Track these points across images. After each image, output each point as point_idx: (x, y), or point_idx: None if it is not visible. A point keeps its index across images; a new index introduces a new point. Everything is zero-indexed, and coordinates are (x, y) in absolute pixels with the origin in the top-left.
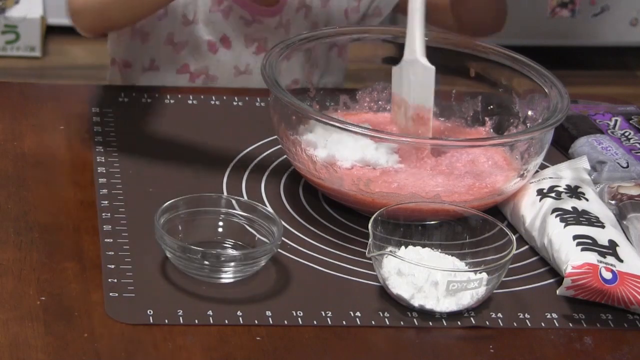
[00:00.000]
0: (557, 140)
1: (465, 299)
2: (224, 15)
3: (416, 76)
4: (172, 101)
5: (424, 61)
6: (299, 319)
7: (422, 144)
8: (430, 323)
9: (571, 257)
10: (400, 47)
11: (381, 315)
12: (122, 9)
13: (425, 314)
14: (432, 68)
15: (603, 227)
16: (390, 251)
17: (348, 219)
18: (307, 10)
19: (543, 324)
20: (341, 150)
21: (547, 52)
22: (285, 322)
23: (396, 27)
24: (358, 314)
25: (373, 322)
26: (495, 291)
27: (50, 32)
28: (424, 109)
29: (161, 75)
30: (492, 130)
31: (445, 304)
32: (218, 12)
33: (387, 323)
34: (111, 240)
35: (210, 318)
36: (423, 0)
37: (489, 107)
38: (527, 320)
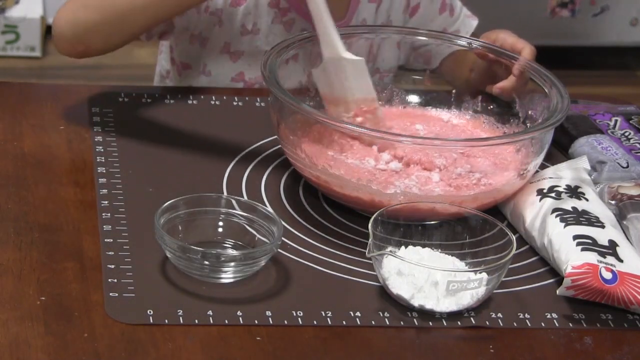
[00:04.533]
0: (557, 140)
1: (465, 299)
2: (285, 27)
3: (345, 72)
4: (172, 101)
5: (349, 55)
6: (299, 319)
7: (422, 144)
8: (430, 323)
9: (571, 257)
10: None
11: (381, 315)
12: (98, 36)
13: (425, 314)
14: (361, 59)
15: (603, 227)
16: (390, 251)
17: (348, 219)
18: None
19: (543, 324)
20: None
21: (547, 52)
22: (285, 322)
23: (402, 27)
24: (358, 314)
25: (373, 322)
26: (495, 291)
27: (50, 32)
28: (368, 99)
29: (215, 80)
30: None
31: (445, 304)
32: (280, 24)
33: (387, 323)
34: (111, 240)
35: (210, 318)
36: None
37: (489, 107)
38: (527, 320)
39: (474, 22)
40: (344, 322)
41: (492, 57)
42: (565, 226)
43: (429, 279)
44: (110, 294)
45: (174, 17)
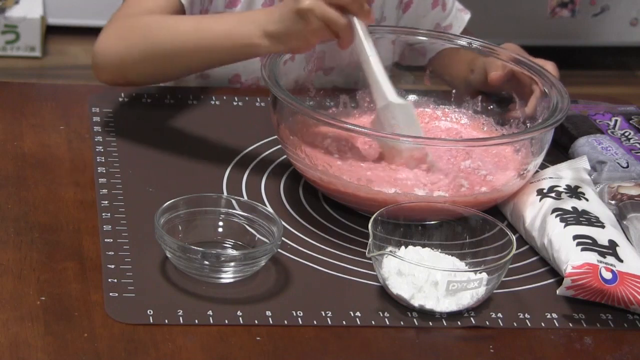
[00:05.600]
0: (557, 140)
1: (465, 299)
2: None
3: (395, 118)
4: (172, 101)
5: (398, 100)
6: (299, 319)
7: (423, 144)
8: (430, 323)
9: (571, 257)
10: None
11: (381, 315)
12: (140, 73)
13: (425, 314)
14: (409, 103)
15: (603, 227)
16: (390, 251)
17: (348, 219)
18: None
19: (543, 324)
20: None
21: (547, 52)
22: (285, 322)
23: (400, 27)
24: (358, 314)
25: (373, 322)
26: (495, 291)
27: (50, 32)
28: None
29: (212, 83)
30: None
31: (445, 304)
32: None
33: (387, 323)
34: (111, 240)
35: (210, 318)
36: (373, 47)
37: (489, 107)
38: (527, 320)
39: (466, 17)
40: (344, 322)
41: (508, 77)
42: (565, 226)
43: (429, 279)
44: (110, 294)
45: (218, 67)
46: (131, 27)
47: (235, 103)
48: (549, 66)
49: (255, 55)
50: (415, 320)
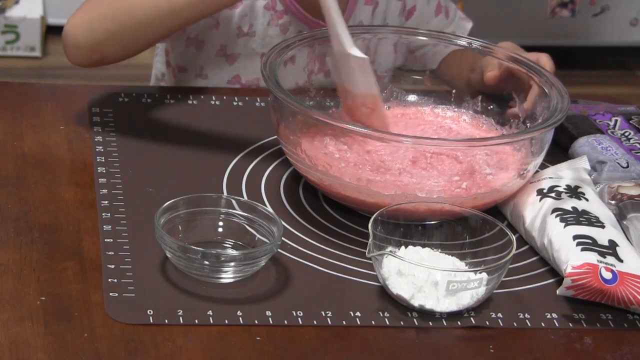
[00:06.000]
0: (557, 140)
1: (465, 299)
2: (282, 29)
3: (350, 67)
4: (172, 101)
5: (355, 52)
6: (299, 319)
7: (422, 143)
8: (430, 323)
9: (571, 257)
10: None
11: (381, 315)
12: (118, 45)
13: (425, 314)
14: (365, 58)
15: (603, 227)
16: (390, 251)
17: (348, 219)
18: None
19: (543, 324)
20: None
21: (547, 52)
22: (285, 322)
23: (399, 27)
24: (358, 314)
25: (373, 322)
26: (495, 291)
27: (50, 32)
28: (370, 96)
29: (211, 83)
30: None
31: (445, 304)
32: (276, 26)
33: (387, 323)
34: (111, 240)
35: (210, 318)
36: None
37: (489, 107)
38: (527, 320)
39: (468, 25)
40: (344, 322)
41: (504, 76)
42: (565, 226)
43: (429, 279)
44: (110, 294)
45: (192, 23)
46: (101, 1)
47: (235, 103)
48: (544, 58)
49: (231, 2)
50: (415, 320)
